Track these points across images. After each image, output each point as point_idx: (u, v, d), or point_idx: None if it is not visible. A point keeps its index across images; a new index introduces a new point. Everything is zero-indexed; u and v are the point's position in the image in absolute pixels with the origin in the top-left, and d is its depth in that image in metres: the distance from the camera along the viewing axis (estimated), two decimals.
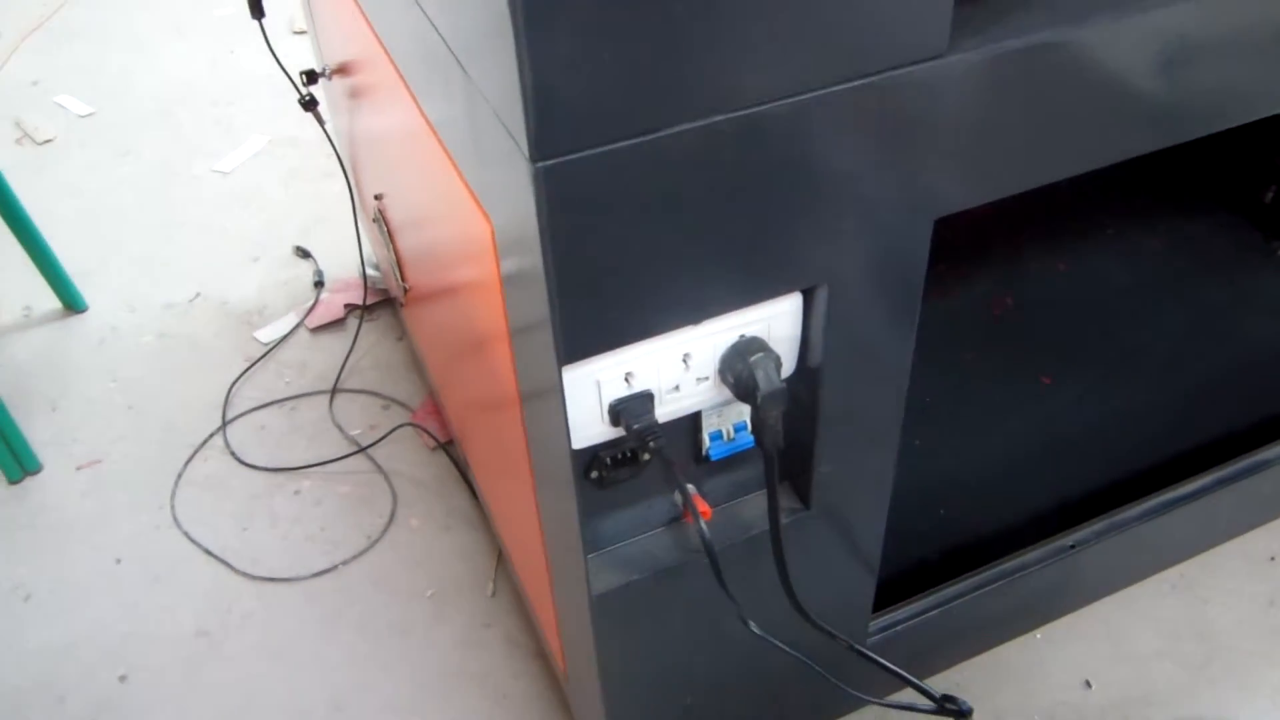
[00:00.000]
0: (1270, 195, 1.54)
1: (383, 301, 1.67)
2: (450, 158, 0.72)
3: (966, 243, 1.55)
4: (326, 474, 1.41)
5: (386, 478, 1.40)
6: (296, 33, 2.26)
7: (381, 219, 1.27)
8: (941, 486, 1.21)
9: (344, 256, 1.74)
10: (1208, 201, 1.61)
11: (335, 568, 1.29)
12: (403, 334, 1.60)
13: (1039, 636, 1.20)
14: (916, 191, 0.63)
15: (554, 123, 0.49)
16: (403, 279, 1.27)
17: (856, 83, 0.55)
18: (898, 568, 1.10)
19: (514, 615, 1.23)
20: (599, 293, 0.57)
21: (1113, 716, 1.12)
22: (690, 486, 0.75)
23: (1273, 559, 1.28)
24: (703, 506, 0.73)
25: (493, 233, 0.65)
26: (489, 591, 1.26)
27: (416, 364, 1.55)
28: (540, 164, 0.51)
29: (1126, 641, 1.19)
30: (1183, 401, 1.31)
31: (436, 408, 1.46)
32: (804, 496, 0.78)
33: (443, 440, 1.43)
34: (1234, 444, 1.15)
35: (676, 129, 0.53)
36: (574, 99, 0.49)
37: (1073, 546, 1.01)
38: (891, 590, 1.00)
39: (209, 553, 1.32)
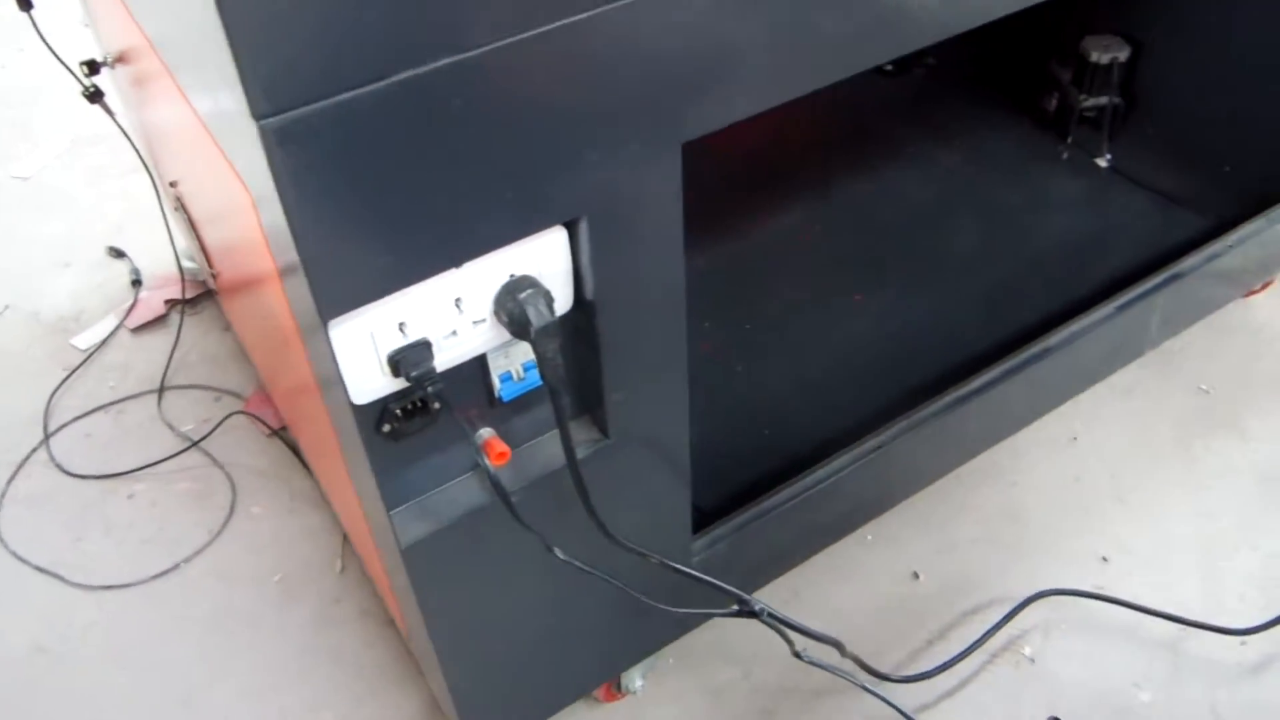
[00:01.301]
0: (1053, 102, 1.63)
1: (205, 294, 1.62)
2: (209, 131, 0.72)
3: (777, 173, 1.61)
4: (160, 474, 1.38)
5: (224, 470, 1.37)
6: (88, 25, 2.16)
7: (182, 206, 1.24)
8: (766, 408, 1.26)
9: (160, 252, 1.68)
10: (1000, 113, 1.70)
11: (177, 566, 1.27)
12: (227, 324, 1.57)
13: (869, 537, 1.27)
14: (657, 118, 0.66)
15: (272, 79, 0.50)
16: (210, 266, 1.24)
17: (572, 18, 0.57)
18: (729, 490, 1.15)
19: (364, 587, 1.23)
20: (349, 244, 0.58)
21: (939, 603, 1.20)
22: (486, 431, 0.77)
23: (1074, 439, 1.38)
24: (501, 448, 0.75)
25: (253, 202, 0.65)
26: (338, 568, 1.26)
27: (243, 353, 1.52)
28: (264, 121, 0.51)
29: (948, 531, 1.27)
30: (984, 302, 1.40)
31: (267, 395, 1.44)
32: (602, 426, 0.81)
33: (276, 426, 1.41)
34: (1030, 335, 1.23)
35: (401, 76, 0.54)
36: (290, 55, 0.50)
37: (878, 448, 1.07)
38: (724, 512, 1.05)
39: (40, 569, 1.27)
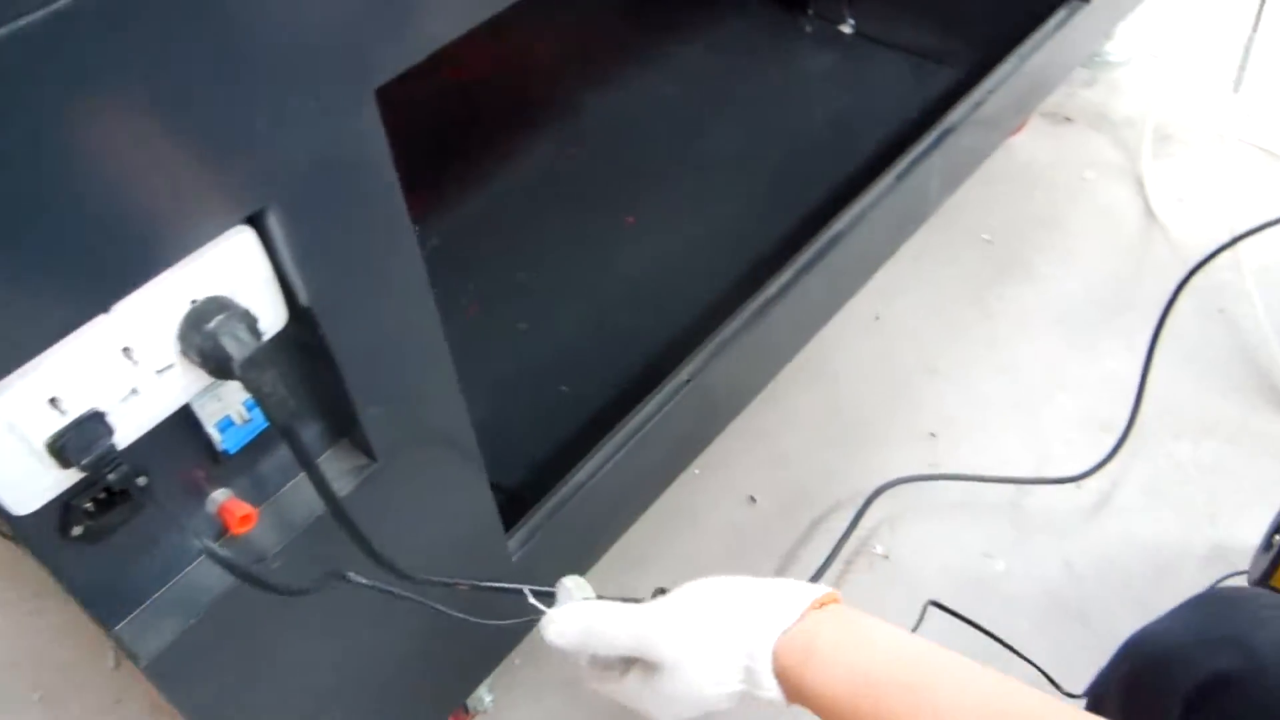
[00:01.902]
0: None
1: None
2: None
3: (515, 103, 1.46)
4: None
5: None
6: None
7: None
8: (558, 362, 1.14)
9: None
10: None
11: None
12: None
13: (697, 471, 1.19)
14: (334, 62, 0.51)
15: None
16: None
17: None
18: (538, 464, 1.03)
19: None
20: None
21: (782, 523, 1.14)
22: (220, 494, 0.62)
23: (877, 318, 1.34)
24: (242, 510, 0.60)
25: None
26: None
27: None
28: None
29: (774, 444, 1.21)
30: (761, 197, 1.32)
31: None
32: (365, 448, 0.67)
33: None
34: (816, 222, 1.16)
35: None
36: None
37: (689, 380, 0.97)
38: (538, 494, 0.93)
39: None
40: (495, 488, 0.82)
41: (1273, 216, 1.32)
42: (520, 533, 0.87)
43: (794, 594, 0.57)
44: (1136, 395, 1.09)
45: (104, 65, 0.42)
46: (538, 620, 0.66)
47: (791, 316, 1.09)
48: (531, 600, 0.68)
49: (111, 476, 0.51)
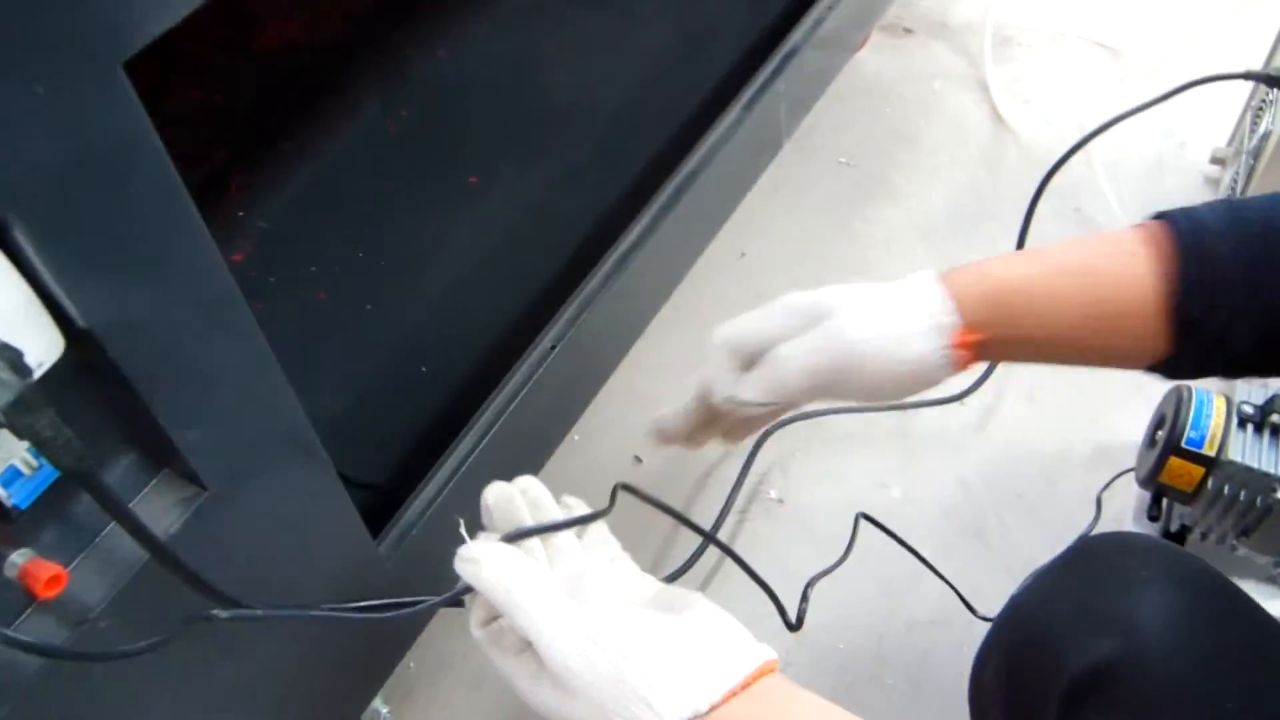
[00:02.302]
0: None
1: None
2: None
3: (337, 72, 1.35)
4: None
5: None
6: None
7: None
8: (414, 341, 1.07)
9: None
10: None
11: None
12: None
13: (577, 438, 1.13)
14: (65, 31, 0.42)
15: None
16: None
17: None
18: (406, 453, 0.96)
19: None
20: None
21: (669, 480, 1.10)
22: (19, 555, 0.53)
23: (743, 255, 1.30)
24: (50, 571, 0.52)
25: None
26: None
27: None
28: None
29: (653, 399, 1.16)
30: (605, 142, 1.25)
31: None
32: (190, 476, 0.59)
33: None
34: (666, 164, 1.10)
35: None
36: None
37: (553, 347, 0.91)
38: (410, 478, 0.86)
39: None
40: (365, 486, 0.75)
41: (1118, 111, 1.33)
42: (391, 535, 0.80)
43: (719, 667, 0.49)
44: None
45: None
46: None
47: (653, 265, 1.03)
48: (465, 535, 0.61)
49: None
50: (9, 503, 0.51)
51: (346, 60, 1.37)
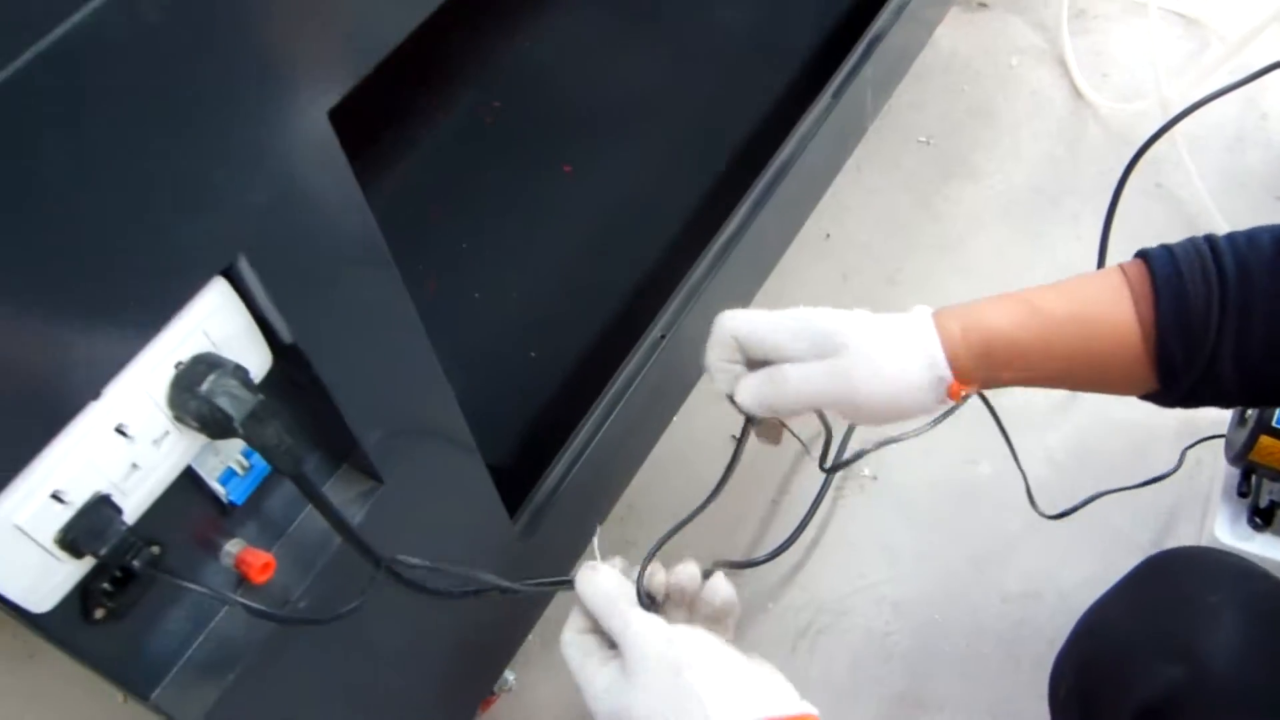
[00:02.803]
0: None
1: None
2: None
3: (429, 66, 1.40)
4: None
5: None
6: None
7: None
8: (522, 328, 1.12)
9: None
10: None
11: None
12: None
13: (675, 420, 1.18)
14: (288, 90, 0.48)
15: None
16: None
17: None
18: (523, 439, 1.02)
19: None
20: None
21: (766, 459, 1.14)
22: (234, 545, 0.59)
23: (828, 237, 1.33)
24: (261, 559, 0.58)
25: None
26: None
27: None
28: None
29: None
30: (698, 133, 1.29)
31: None
32: (369, 471, 0.65)
33: None
34: (761, 152, 1.14)
35: None
36: None
37: (664, 336, 0.96)
38: (535, 461, 0.92)
39: None
40: (494, 470, 0.81)
41: (1199, 82, 1.34)
42: (525, 513, 0.86)
43: (770, 698, 0.54)
44: None
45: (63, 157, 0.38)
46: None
47: (751, 253, 1.08)
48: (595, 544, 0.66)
49: (135, 557, 0.49)
50: (226, 499, 0.58)
51: (439, 55, 1.42)
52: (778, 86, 1.29)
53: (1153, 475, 1.04)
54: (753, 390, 0.64)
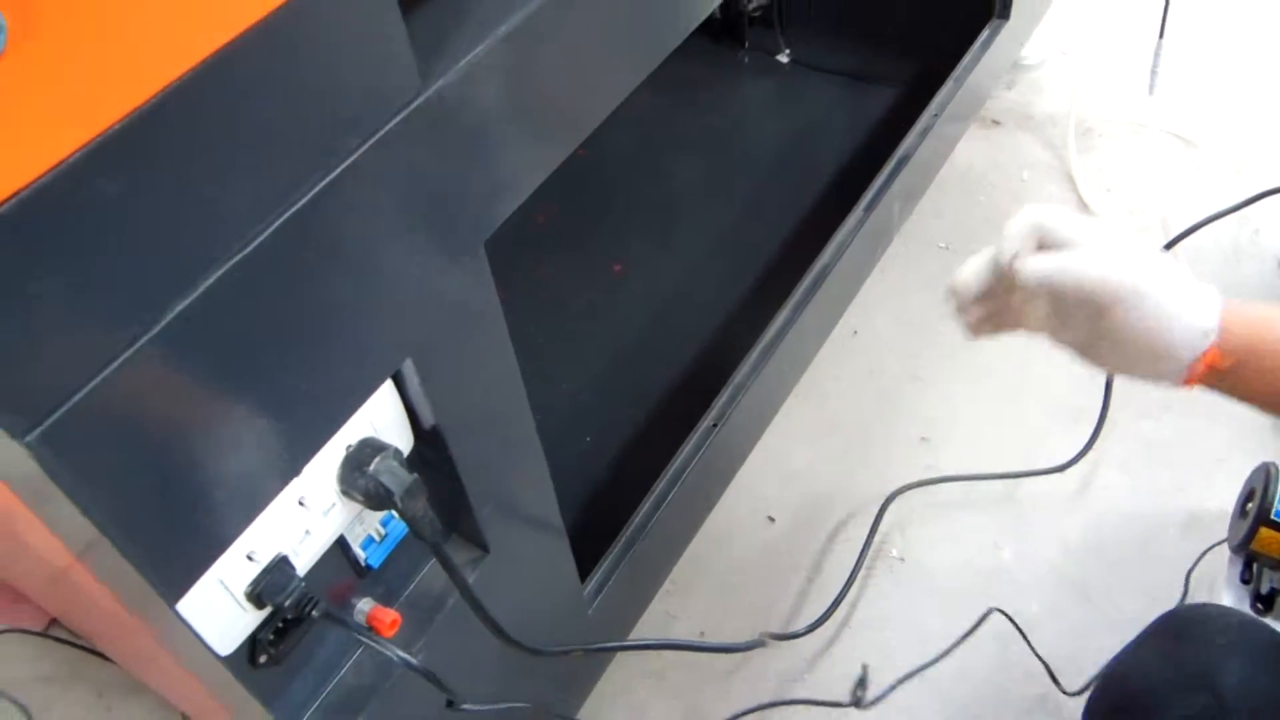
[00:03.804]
0: (718, 11, 1.64)
1: None
2: None
3: None
4: None
5: (3, 695, 1.17)
6: None
7: None
8: (574, 414, 1.22)
9: None
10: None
11: None
12: None
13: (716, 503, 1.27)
14: (460, 227, 0.58)
15: (20, 392, 0.38)
16: None
17: (335, 171, 0.48)
18: (585, 514, 1.10)
19: None
20: (176, 515, 0.47)
21: (800, 538, 1.23)
22: (365, 604, 0.68)
23: (855, 333, 1.44)
24: (389, 617, 0.67)
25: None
26: None
27: None
28: (30, 437, 0.39)
29: (784, 464, 1.30)
30: (735, 232, 1.41)
31: (15, 592, 1.23)
32: (477, 541, 0.74)
33: (42, 627, 1.21)
34: (799, 258, 1.24)
35: (163, 322, 0.43)
36: (25, 356, 0.38)
37: (715, 425, 1.06)
38: (600, 536, 1.00)
39: None
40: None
41: (1195, 200, 1.46)
42: (593, 581, 0.94)
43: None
44: (1106, 384, 1.20)
45: (297, 288, 0.48)
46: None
47: (793, 349, 1.17)
48: None
49: (314, 613, 0.57)
50: (363, 562, 0.67)
51: None
52: (809, 192, 1.40)
53: (1158, 566, 1.13)
54: (1042, 260, 0.63)
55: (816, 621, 1.11)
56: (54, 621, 1.21)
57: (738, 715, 1.08)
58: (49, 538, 0.54)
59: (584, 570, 0.95)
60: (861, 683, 1.08)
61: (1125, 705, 0.79)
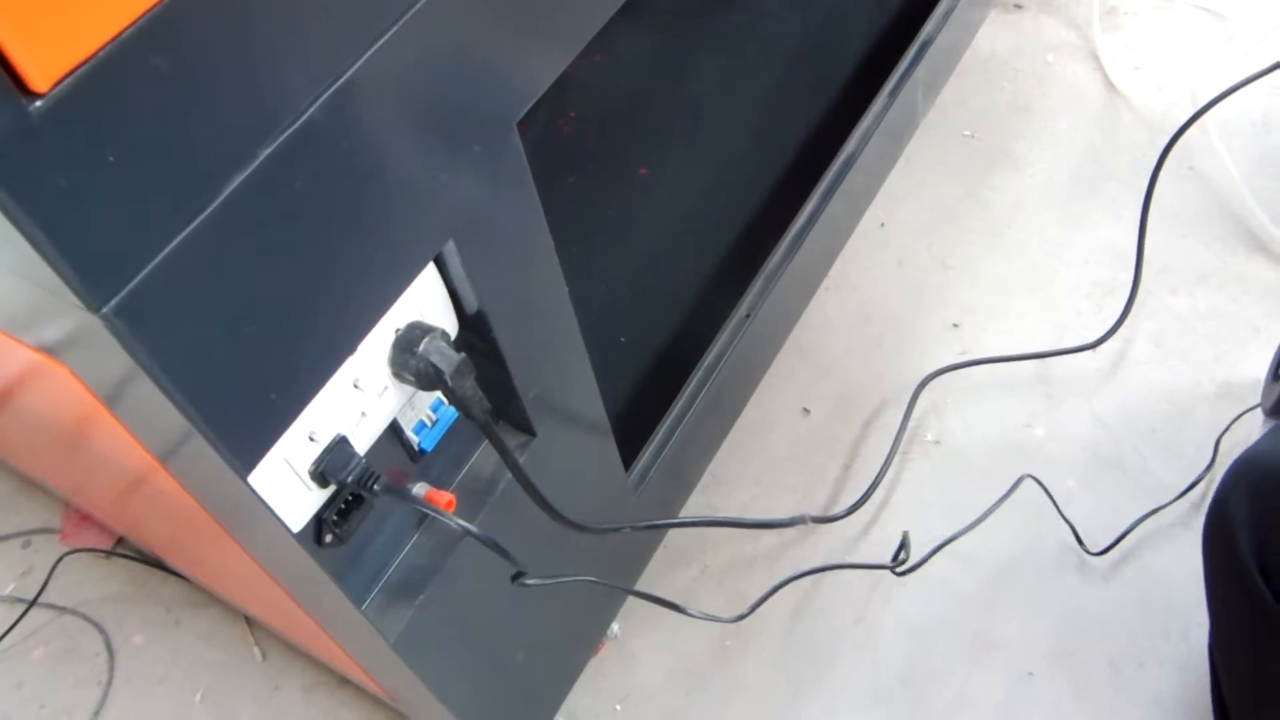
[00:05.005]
0: None
1: None
2: None
3: None
4: (9, 653, 1.21)
5: (78, 614, 1.22)
6: None
7: None
8: (608, 316, 1.23)
9: None
10: None
11: None
12: None
13: (753, 396, 1.29)
14: (491, 108, 0.59)
15: (95, 261, 0.40)
16: None
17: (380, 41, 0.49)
18: (624, 410, 1.12)
19: (296, 662, 1.15)
20: (246, 391, 0.50)
21: (836, 428, 1.25)
22: (420, 487, 0.71)
23: (882, 225, 1.44)
24: (445, 498, 0.70)
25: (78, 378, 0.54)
26: (258, 657, 1.16)
27: (28, 485, 1.33)
28: (105, 309, 0.41)
29: (816, 357, 1.31)
30: (761, 127, 1.40)
31: (82, 513, 1.28)
32: (524, 426, 0.76)
33: (109, 545, 1.26)
34: (824, 149, 1.24)
35: (227, 191, 0.45)
36: (100, 225, 0.40)
37: (748, 315, 1.07)
38: (640, 427, 1.02)
39: None
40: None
41: (1225, 73, 1.44)
42: (637, 469, 0.97)
43: None
44: (1136, 260, 1.20)
45: (349, 162, 0.50)
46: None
47: (822, 240, 1.18)
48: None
49: (375, 488, 0.60)
50: (418, 447, 0.69)
51: None
52: (836, 89, 1.39)
53: (1194, 435, 1.14)
54: None
55: (855, 504, 1.13)
56: (120, 541, 1.26)
57: (781, 583, 1.11)
58: (123, 438, 0.57)
59: (627, 461, 0.97)
60: (903, 546, 1.10)
61: (1266, 485, 0.76)
